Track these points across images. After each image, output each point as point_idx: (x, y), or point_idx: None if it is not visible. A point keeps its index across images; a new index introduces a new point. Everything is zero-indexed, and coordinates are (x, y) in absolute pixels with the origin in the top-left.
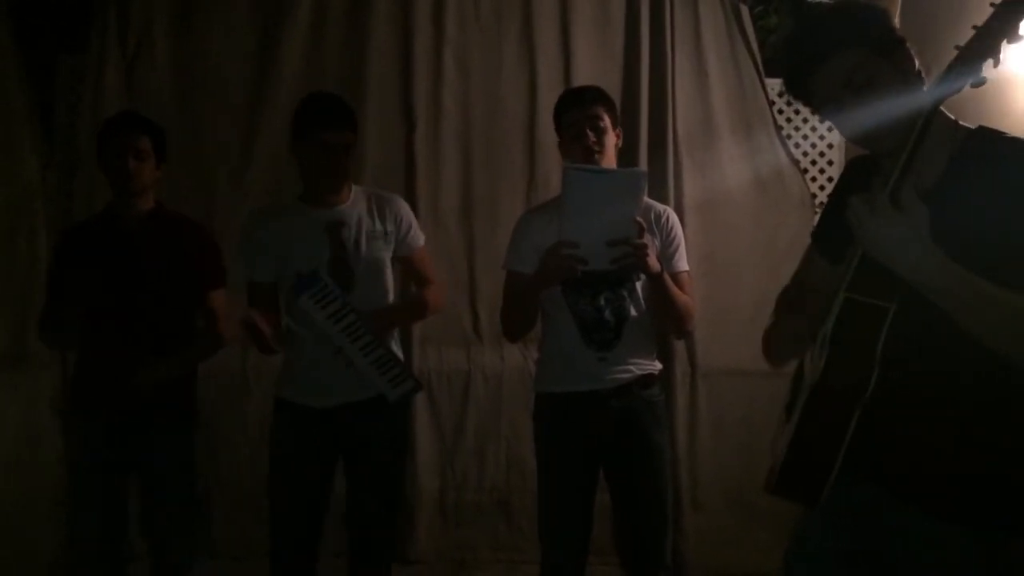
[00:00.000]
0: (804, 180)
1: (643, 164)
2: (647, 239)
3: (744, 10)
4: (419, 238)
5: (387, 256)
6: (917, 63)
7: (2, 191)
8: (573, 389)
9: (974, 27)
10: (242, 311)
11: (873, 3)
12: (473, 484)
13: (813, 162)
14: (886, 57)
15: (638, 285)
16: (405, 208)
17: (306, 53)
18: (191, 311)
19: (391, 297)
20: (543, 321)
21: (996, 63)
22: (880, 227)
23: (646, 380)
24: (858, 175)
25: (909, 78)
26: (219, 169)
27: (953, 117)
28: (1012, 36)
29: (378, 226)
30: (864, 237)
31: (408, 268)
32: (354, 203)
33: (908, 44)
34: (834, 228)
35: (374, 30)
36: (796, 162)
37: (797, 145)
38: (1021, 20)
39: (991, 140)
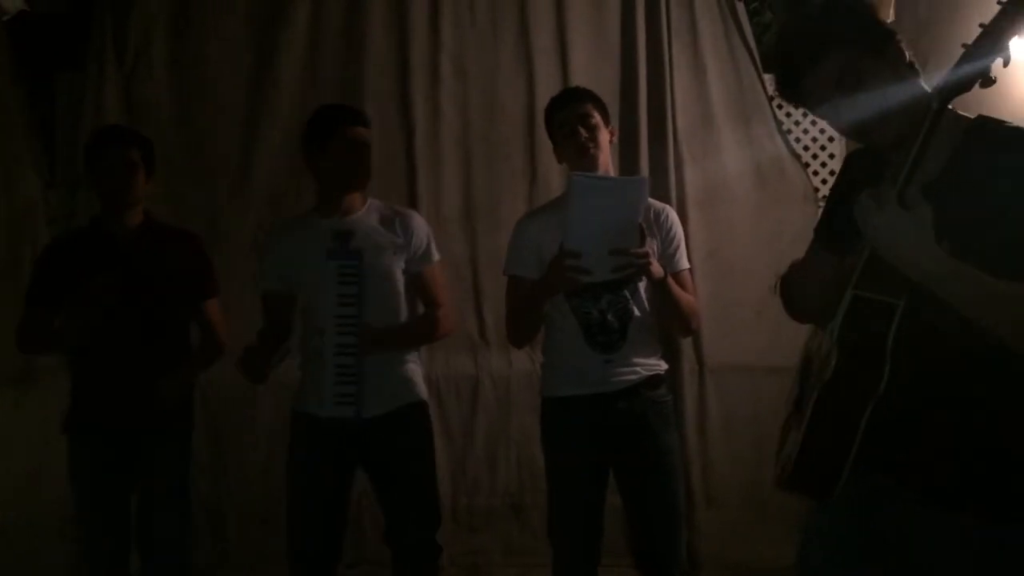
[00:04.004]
0: (806, 174)
1: (643, 161)
2: (648, 244)
3: (739, 7)
4: (432, 256)
5: (397, 269)
6: (908, 54)
7: (4, 210)
8: (579, 392)
9: (981, 25)
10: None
11: (853, 1)
12: (485, 489)
13: (815, 156)
14: (876, 53)
15: (641, 286)
16: (420, 223)
17: (303, 63)
18: (185, 322)
19: (402, 311)
20: (546, 325)
21: (1006, 62)
22: (886, 225)
23: (653, 381)
24: (859, 169)
25: (901, 71)
26: (220, 180)
27: (951, 107)
28: (1021, 33)
29: (389, 238)
30: (871, 233)
31: (418, 287)
32: (366, 213)
33: (898, 36)
34: (835, 221)
35: (370, 37)
36: (798, 156)
37: (798, 139)
38: None
39: (992, 130)
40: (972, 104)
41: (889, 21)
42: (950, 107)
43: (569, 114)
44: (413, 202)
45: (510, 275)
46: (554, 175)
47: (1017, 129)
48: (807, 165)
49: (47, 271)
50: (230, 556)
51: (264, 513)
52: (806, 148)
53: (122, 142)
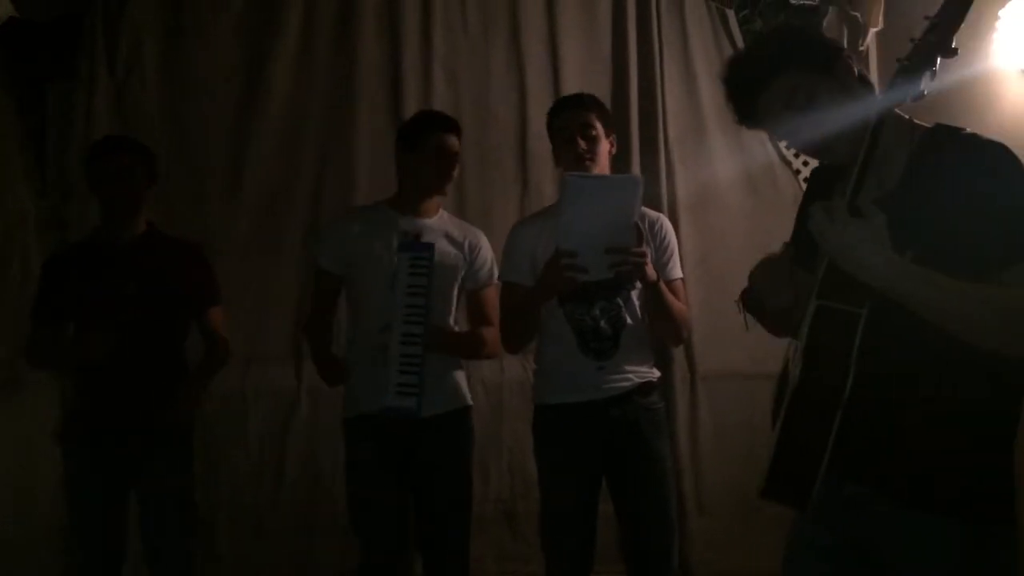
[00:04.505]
0: (797, 180)
1: (635, 169)
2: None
3: (730, 15)
4: (493, 276)
5: (455, 281)
6: (857, 71)
7: None
8: (572, 400)
9: (911, 40)
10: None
11: (806, 22)
12: (477, 496)
13: (805, 163)
14: (824, 72)
15: (633, 294)
16: (485, 243)
17: (295, 70)
18: (186, 332)
19: (448, 323)
20: (539, 332)
21: (933, 76)
22: (839, 234)
23: (645, 388)
24: (823, 183)
25: (851, 88)
26: (212, 187)
27: (908, 117)
28: (947, 50)
29: (453, 249)
30: (825, 244)
31: (473, 305)
32: (439, 221)
33: (847, 53)
34: (805, 236)
35: (362, 44)
36: (788, 163)
37: (788, 146)
38: (954, 32)
39: (947, 138)
40: (960, 109)
41: (878, 28)
42: (901, 114)
43: (571, 120)
44: None
45: (504, 281)
46: (546, 182)
47: (972, 135)
48: (798, 172)
49: (51, 285)
50: (222, 564)
51: (255, 522)
52: (797, 155)
53: (121, 150)
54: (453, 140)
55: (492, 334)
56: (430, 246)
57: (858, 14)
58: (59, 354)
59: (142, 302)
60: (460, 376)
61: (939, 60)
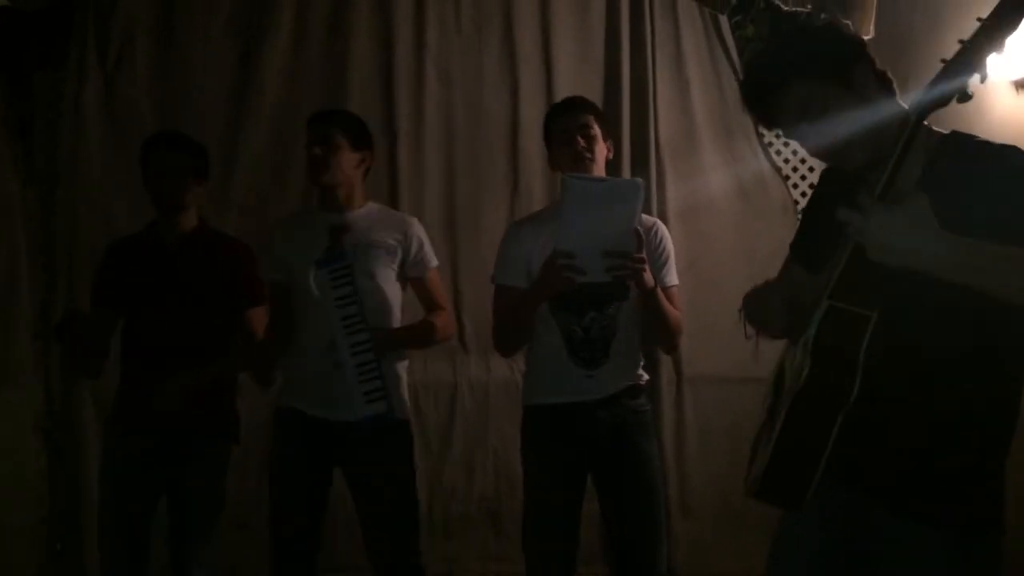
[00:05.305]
0: (786, 187)
1: (626, 174)
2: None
3: (723, 20)
4: (431, 261)
5: (390, 271)
6: (878, 74)
7: None
8: (560, 400)
9: (960, 41)
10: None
11: (824, 24)
12: (461, 495)
13: (795, 169)
14: (841, 79)
15: (625, 304)
16: (417, 228)
17: (287, 66)
18: (230, 329)
19: (394, 313)
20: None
21: (983, 78)
22: (882, 225)
23: (633, 390)
24: (834, 185)
25: (867, 95)
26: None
27: (926, 123)
28: (999, 50)
29: (384, 238)
30: (868, 241)
31: (418, 291)
32: (365, 213)
33: (868, 57)
34: (811, 237)
35: (355, 41)
36: (778, 169)
37: (779, 152)
38: (1008, 35)
39: (963, 144)
40: (950, 121)
41: (869, 36)
42: (924, 122)
43: (570, 122)
44: (394, 207)
45: (498, 284)
46: (537, 183)
47: (986, 142)
48: (787, 178)
49: (104, 277)
50: None
51: (240, 519)
52: (786, 161)
53: (169, 146)
54: (322, 131)
55: (442, 318)
56: (342, 254)
57: (849, 22)
58: (105, 344)
59: (185, 299)
60: (401, 387)
61: (988, 62)
